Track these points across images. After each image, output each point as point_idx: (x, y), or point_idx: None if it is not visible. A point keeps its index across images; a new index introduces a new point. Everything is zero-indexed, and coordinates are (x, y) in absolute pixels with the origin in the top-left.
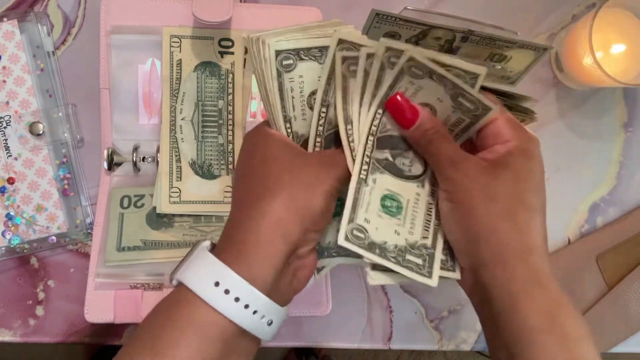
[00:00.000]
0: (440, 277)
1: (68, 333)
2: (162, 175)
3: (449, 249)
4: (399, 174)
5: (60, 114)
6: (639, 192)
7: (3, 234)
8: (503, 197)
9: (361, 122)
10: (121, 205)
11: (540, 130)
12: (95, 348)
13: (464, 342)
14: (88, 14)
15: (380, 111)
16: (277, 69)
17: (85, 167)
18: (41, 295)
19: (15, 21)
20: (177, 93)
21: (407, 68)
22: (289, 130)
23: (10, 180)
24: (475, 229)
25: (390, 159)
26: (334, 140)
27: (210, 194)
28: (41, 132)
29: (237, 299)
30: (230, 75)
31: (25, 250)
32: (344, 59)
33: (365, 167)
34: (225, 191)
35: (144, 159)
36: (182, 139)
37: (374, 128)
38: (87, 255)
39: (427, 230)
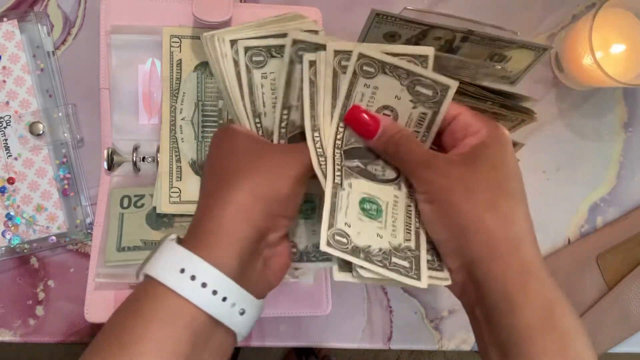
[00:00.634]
0: (430, 280)
1: (68, 333)
2: (162, 175)
3: (433, 249)
4: (373, 178)
5: (60, 114)
6: (639, 192)
7: (3, 234)
8: (483, 188)
9: (326, 134)
10: (121, 205)
11: (540, 130)
12: None
13: (464, 342)
14: (88, 14)
15: (342, 125)
16: (247, 65)
17: (85, 167)
18: (41, 295)
19: (15, 21)
20: (177, 93)
21: (359, 68)
22: (259, 125)
23: (10, 180)
24: (461, 224)
25: (362, 166)
26: (298, 141)
27: None
28: (41, 132)
29: (204, 285)
30: None
31: (25, 250)
32: (311, 64)
33: (338, 173)
34: None
35: (144, 159)
36: (182, 139)
37: (338, 142)
38: (87, 255)
39: (409, 232)
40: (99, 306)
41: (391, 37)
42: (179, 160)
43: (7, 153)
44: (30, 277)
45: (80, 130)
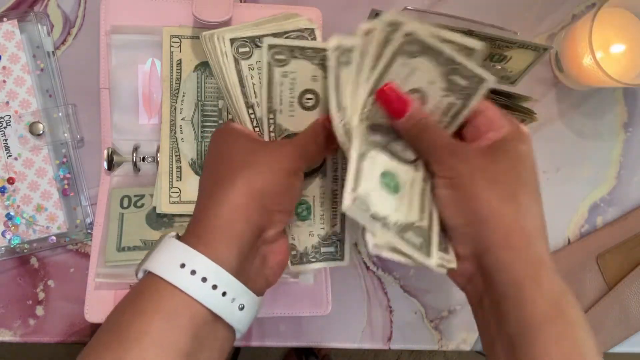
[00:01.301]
0: (439, 264)
1: (68, 333)
2: (162, 175)
3: (443, 234)
4: (393, 156)
5: (60, 114)
6: (639, 192)
7: (3, 234)
8: (504, 181)
9: (353, 107)
10: (121, 205)
11: (540, 130)
12: None
13: (464, 342)
14: (88, 14)
15: (371, 100)
16: (234, 57)
17: (85, 167)
18: (41, 295)
19: (15, 21)
20: (177, 93)
21: (403, 45)
22: (252, 117)
23: (10, 180)
24: (480, 211)
25: (384, 143)
26: None
27: None
28: (41, 132)
29: (204, 279)
30: None
31: (25, 250)
32: (337, 47)
33: (363, 145)
34: None
35: (144, 159)
36: (182, 139)
37: (363, 115)
38: (87, 255)
39: (422, 213)
40: (99, 306)
41: None
42: (179, 160)
43: (7, 153)
44: (30, 277)
45: (80, 130)
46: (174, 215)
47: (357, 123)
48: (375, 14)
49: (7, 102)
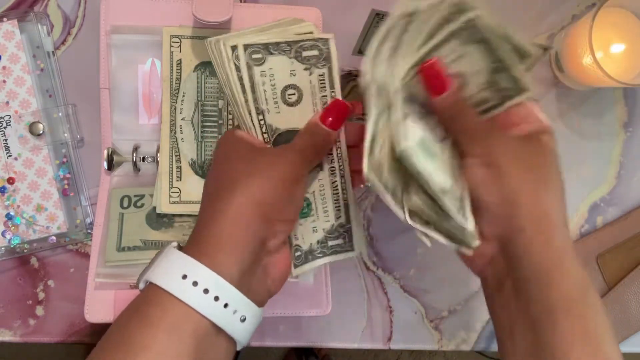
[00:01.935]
0: (472, 232)
1: (68, 333)
2: (162, 175)
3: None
4: (427, 129)
5: (60, 114)
6: (639, 192)
7: (3, 234)
8: (538, 169)
9: (395, 74)
10: (121, 205)
11: None
12: None
13: (464, 342)
14: (88, 14)
15: (412, 72)
16: (247, 63)
17: (85, 167)
18: (41, 295)
19: (15, 21)
20: (177, 93)
21: (461, 30)
22: (262, 123)
23: (10, 180)
24: (515, 191)
25: (418, 115)
26: (283, 142)
27: None
28: (41, 132)
29: (206, 291)
30: None
31: (25, 250)
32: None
33: (405, 108)
34: None
35: (144, 159)
36: (182, 139)
37: (404, 81)
38: (87, 255)
39: (455, 183)
40: (99, 306)
41: None
42: (179, 160)
43: (7, 153)
44: (30, 277)
45: (80, 130)
46: (174, 215)
47: (394, 90)
48: (375, 14)
49: (7, 102)
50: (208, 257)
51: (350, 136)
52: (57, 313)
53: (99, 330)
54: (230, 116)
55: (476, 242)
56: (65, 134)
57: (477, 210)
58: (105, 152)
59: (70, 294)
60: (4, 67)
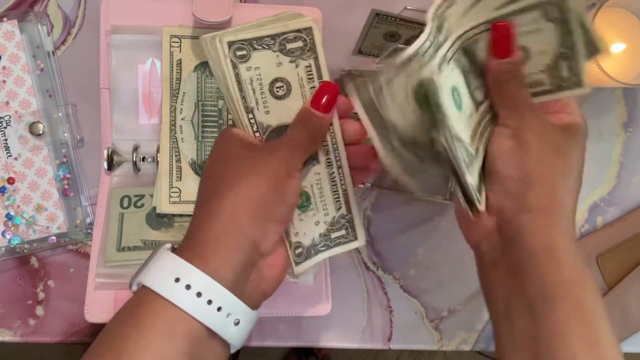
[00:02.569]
0: (474, 190)
1: (68, 333)
2: (162, 175)
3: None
4: (467, 85)
5: (60, 114)
6: (639, 192)
7: (3, 234)
8: (564, 159)
9: (462, 24)
10: (121, 205)
11: None
12: None
13: (464, 342)
14: (88, 14)
15: (487, 25)
16: (232, 60)
17: (85, 167)
18: (41, 295)
19: (15, 21)
20: (177, 93)
21: (546, 4)
22: (252, 121)
23: (10, 180)
24: (534, 173)
25: (467, 69)
26: (276, 138)
27: None
28: (41, 132)
29: (199, 294)
30: None
31: (25, 250)
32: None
33: (452, 49)
34: None
35: (144, 159)
36: (182, 139)
37: (471, 32)
38: (87, 255)
39: (472, 141)
40: (99, 306)
41: (391, 37)
42: (179, 160)
43: (7, 153)
44: (30, 277)
45: (80, 130)
46: (174, 215)
47: (453, 39)
48: (375, 14)
49: (7, 102)
50: (202, 259)
51: (351, 134)
52: (57, 313)
53: (99, 330)
54: (230, 116)
55: (482, 206)
56: (65, 134)
57: (490, 180)
58: (105, 152)
59: (70, 294)
60: (4, 67)
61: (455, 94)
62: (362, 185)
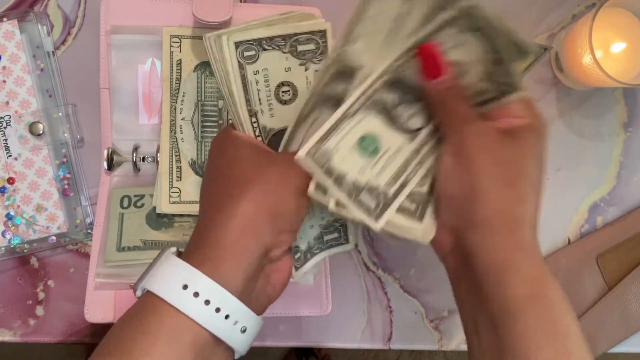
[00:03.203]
0: (383, 227)
1: (68, 333)
2: (162, 175)
3: (421, 204)
4: (392, 122)
5: (60, 114)
6: (639, 192)
7: (3, 234)
8: (508, 164)
9: (382, 57)
10: (121, 205)
11: None
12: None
13: (464, 342)
14: (88, 14)
15: (408, 53)
16: (239, 62)
17: (85, 167)
18: (41, 295)
19: (15, 21)
20: (177, 93)
21: (457, 19)
22: (255, 125)
23: (10, 180)
24: (477, 187)
25: (395, 102)
26: (279, 142)
27: None
28: (41, 132)
29: (207, 302)
30: None
31: (25, 250)
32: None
33: (359, 102)
34: None
35: (144, 159)
36: (182, 139)
37: (394, 64)
38: (87, 255)
39: (395, 180)
40: (99, 306)
41: None
42: (179, 160)
43: (7, 153)
44: (30, 277)
45: (80, 130)
46: (174, 215)
47: (372, 79)
48: None
49: (7, 102)
50: (211, 264)
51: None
52: (57, 313)
53: (99, 330)
54: (230, 116)
55: (428, 238)
56: (65, 134)
57: (438, 199)
58: (105, 152)
59: (70, 294)
60: (4, 67)
61: (366, 141)
62: None
